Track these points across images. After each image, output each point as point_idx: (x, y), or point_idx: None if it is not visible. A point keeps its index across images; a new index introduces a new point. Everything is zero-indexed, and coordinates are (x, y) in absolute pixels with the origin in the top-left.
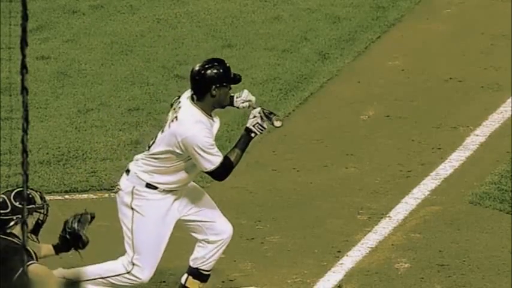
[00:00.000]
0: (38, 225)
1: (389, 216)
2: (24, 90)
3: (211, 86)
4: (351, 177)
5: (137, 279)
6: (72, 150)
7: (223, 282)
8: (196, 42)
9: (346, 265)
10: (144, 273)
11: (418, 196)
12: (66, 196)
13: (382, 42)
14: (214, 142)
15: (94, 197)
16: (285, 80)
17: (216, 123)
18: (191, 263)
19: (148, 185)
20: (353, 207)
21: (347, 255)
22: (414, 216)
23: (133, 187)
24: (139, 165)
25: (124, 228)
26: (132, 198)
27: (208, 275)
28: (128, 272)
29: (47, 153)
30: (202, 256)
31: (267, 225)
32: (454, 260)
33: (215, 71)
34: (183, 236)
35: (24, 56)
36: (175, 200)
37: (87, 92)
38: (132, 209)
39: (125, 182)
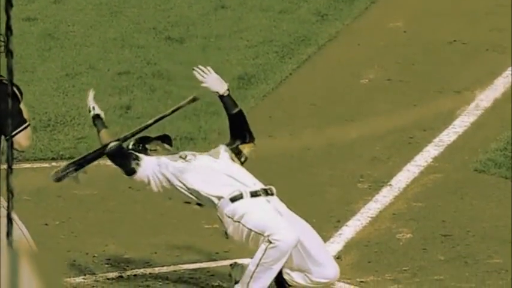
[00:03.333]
0: None
1: (390, 185)
2: (9, 53)
3: None
4: (351, 143)
5: (280, 241)
6: (59, 115)
7: (217, 253)
8: (188, 3)
9: (345, 235)
10: (281, 233)
11: (420, 163)
12: (54, 164)
13: (382, 2)
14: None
15: None
16: (282, 42)
17: None
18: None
19: (231, 200)
20: (353, 175)
21: (346, 225)
22: (416, 185)
23: (225, 215)
24: (213, 206)
25: (249, 238)
26: (231, 218)
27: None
28: (269, 243)
29: (33, 119)
30: (295, 281)
31: None
32: (457, 229)
33: None
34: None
35: (9, 17)
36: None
37: (75, 55)
38: (237, 221)
39: (224, 225)
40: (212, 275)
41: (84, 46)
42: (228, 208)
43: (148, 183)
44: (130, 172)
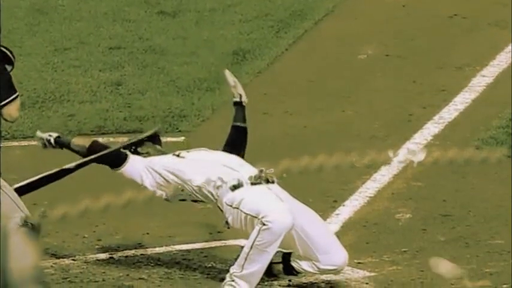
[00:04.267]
0: None
1: (389, 163)
2: None
3: None
4: (348, 121)
5: (273, 222)
6: (48, 92)
7: (210, 234)
8: None
9: (342, 215)
10: (274, 215)
11: (419, 141)
12: None
13: None
14: None
15: None
16: (277, 16)
17: None
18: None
19: (231, 188)
20: (350, 153)
21: (344, 205)
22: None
23: (224, 203)
24: (211, 198)
25: (247, 223)
26: (230, 206)
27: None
28: (263, 224)
29: (22, 95)
30: (303, 269)
31: None
32: (458, 210)
33: None
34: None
35: None
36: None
37: (64, 29)
38: (236, 208)
39: (225, 215)
40: (205, 256)
41: (74, 20)
42: (228, 196)
43: (142, 181)
44: (116, 164)
